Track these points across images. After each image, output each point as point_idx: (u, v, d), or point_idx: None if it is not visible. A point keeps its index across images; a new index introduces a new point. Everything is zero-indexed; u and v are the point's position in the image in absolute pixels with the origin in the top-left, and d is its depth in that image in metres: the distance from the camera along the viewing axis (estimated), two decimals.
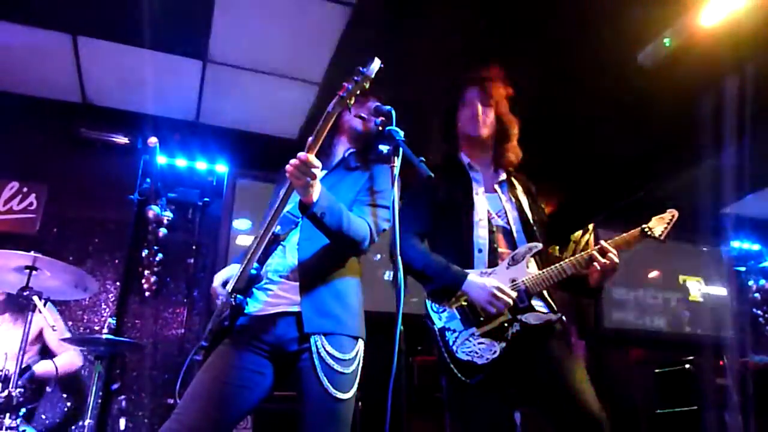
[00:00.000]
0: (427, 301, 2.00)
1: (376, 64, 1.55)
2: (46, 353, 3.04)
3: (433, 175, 1.54)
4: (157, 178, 4.28)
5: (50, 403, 3.43)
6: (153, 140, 4.02)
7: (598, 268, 1.91)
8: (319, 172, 1.62)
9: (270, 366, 1.72)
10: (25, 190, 4.09)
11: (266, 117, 4.46)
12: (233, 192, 4.60)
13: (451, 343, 1.90)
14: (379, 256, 4.74)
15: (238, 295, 1.70)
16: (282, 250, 1.78)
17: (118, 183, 4.29)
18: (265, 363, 1.71)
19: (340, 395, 1.65)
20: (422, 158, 1.54)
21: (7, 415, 2.19)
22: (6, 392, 2.22)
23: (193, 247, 4.42)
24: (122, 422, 2.85)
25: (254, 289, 1.74)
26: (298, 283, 1.73)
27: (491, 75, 2.19)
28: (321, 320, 1.69)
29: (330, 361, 1.66)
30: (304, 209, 1.65)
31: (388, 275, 4.69)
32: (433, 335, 1.95)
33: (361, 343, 1.78)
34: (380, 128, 1.64)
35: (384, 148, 1.57)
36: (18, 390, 2.24)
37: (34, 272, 2.36)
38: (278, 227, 1.74)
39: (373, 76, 1.55)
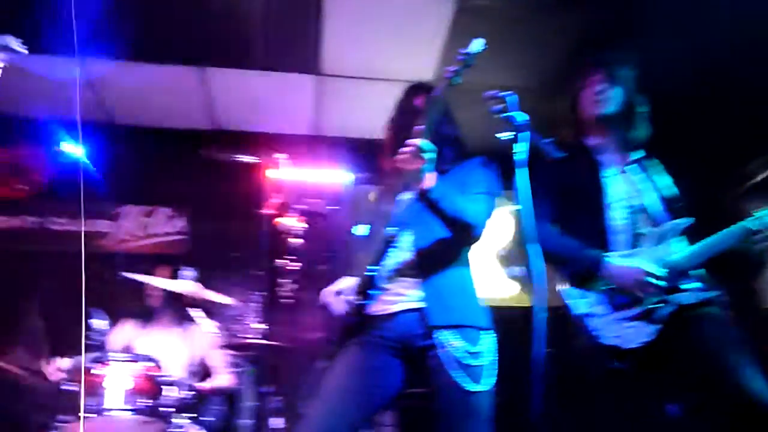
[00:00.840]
0: (564, 287, 1.94)
1: (478, 43, 1.55)
2: (204, 368, 3.32)
3: (562, 154, 1.51)
4: (285, 192, 4.54)
5: (210, 404, 3.75)
6: (279, 156, 4.27)
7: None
8: (432, 158, 1.64)
9: (399, 363, 1.75)
10: (174, 214, 4.53)
11: (383, 122, 4.56)
12: (356, 199, 4.78)
13: (595, 328, 1.83)
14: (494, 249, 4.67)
15: (360, 298, 1.75)
16: (397, 248, 1.81)
17: (251, 200, 4.60)
18: (393, 361, 1.75)
19: (473, 388, 1.64)
20: (548, 140, 1.52)
21: (179, 415, 2.45)
22: (175, 394, 2.48)
23: (323, 255, 4.63)
24: (276, 422, 3.05)
25: (375, 290, 1.78)
26: (416, 279, 1.75)
27: (615, 56, 2.11)
28: (444, 313, 1.70)
29: (458, 354, 1.65)
30: (420, 196, 1.67)
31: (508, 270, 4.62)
32: (572, 322, 1.89)
33: (490, 334, 1.75)
34: (499, 114, 1.64)
35: (503, 135, 1.56)
36: (185, 393, 2.50)
37: (190, 285, 2.62)
38: (391, 227, 1.77)
39: (475, 54, 1.54)
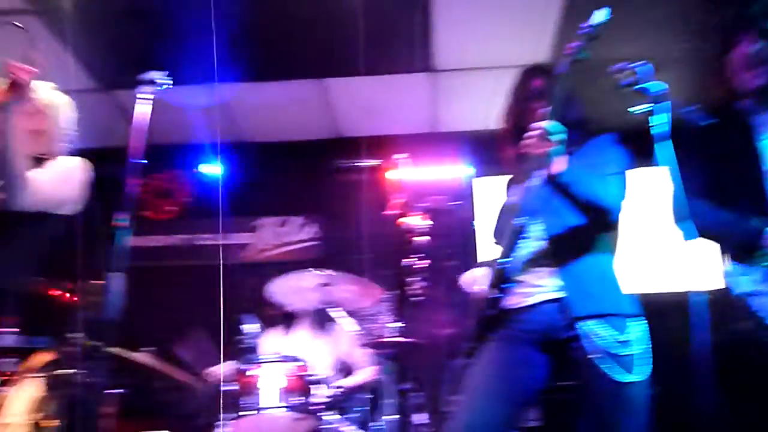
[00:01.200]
0: (724, 265, 1.78)
1: (602, 13, 1.46)
2: (347, 366, 3.46)
3: (710, 121, 1.39)
4: (407, 192, 4.60)
5: (355, 401, 3.89)
6: (399, 157, 4.34)
7: None
8: (560, 140, 1.58)
9: (543, 356, 1.70)
10: (305, 222, 4.77)
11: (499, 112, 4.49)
12: (477, 193, 4.75)
13: (760, 308, 1.66)
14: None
15: (495, 291, 1.72)
16: (528, 238, 1.76)
17: (376, 202, 4.72)
18: (536, 354, 1.70)
19: (625, 379, 1.55)
20: (691, 108, 1.41)
21: (330, 412, 2.58)
22: (324, 392, 2.62)
23: (449, 251, 4.63)
24: (420, 417, 3.11)
25: (509, 283, 1.73)
26: (552, 269, 1.69)
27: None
28: (587, 302, 1.63)
29: (606, 344, 1.58)
30: (549, 182, 1.62)
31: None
32: (734, 304, 1.73)
33: (639, 321, 1.65)
34: (630, 87, 1.55)
35: (638, 109, 1.47)
36: (335, 390, 2.62)
37: (327, 287, 2.75)
38: (521, 217, 1.72)
39: (600, 25, 1.46)
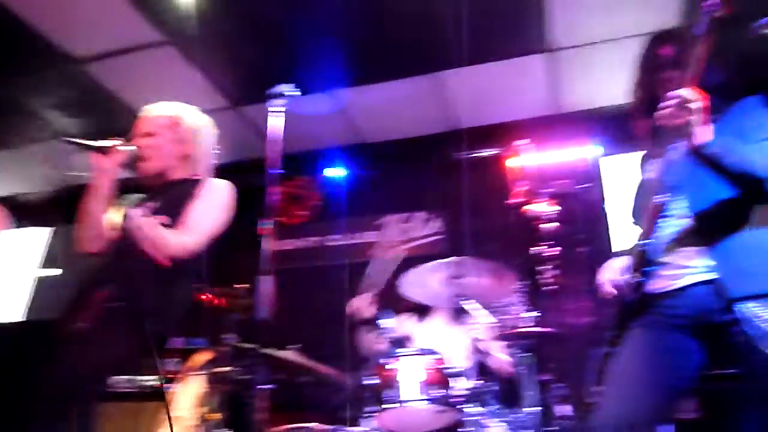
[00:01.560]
0: None
1: None
2: (482, 359, 3.45)
3: None
4: (530, 178, 4.49)
5: (493, 394, 3.87)
6: (521, 143, 4.25)
7: None
8: (701, 107, 1.46)
9: (694, 342, 1.57)
10: (429, 216, 4.82)
11: (626, 85, 4.25)
12: (606, 173, 4.53)
13: None
14: None
15: (637, 276, 1.63)
16: (671, 217, 1.65)
17: (499, 191, 4.65)
18: (688, 341, 1.57)
19: None
20: None
21: (471, 405, 2.59)
22: (464, 384, 2.63)
23: (580, 236, 4.46)
24: (564, 409, 3.04)
25: (652, 266, 1.64)
26: (700, 248, 1.57)
27: None
28: (743, 282, 1.49)
29: None
30: (692, 154, 1.50)
31: None
32: None
33: None
34: None
35: None
36: (472, 383, 2.63)
37: (461, 280, 2.77)
38: (661, 194, 1.61)
39: None
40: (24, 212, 5.62)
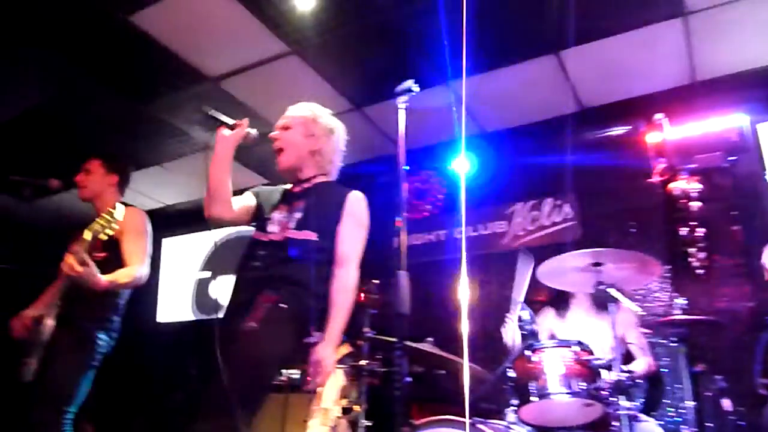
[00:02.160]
0: None
1: None
2: (627, 349, 3.26)
3: None
4: (671, 154, 4.17)
5: (639, 386, 3.64)
6: (657, 117, 3.97)
7: None
8: None
9: None
10: (558, 202, 4.64)
11: None
12: (758, 140, 4.08)
13: None
14: None
15: None
16: None
17: (636, 170, 4.37)
18: None
19: None
20: None
21: (618, 398, 2.46)
22: (611, 377, 2.50)
23: (733, 213, 4.07)
24: (725, 403, 2.79)
25: None
26: None
27: None
28: None
29: None
30: None
31: None
32: None
33: None
34: None
35: None
36: (619, 375, 2.49)
37: (600, 267, 2.63)
38: None
39: None
40: (177, 221, 6.18)
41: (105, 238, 2.50)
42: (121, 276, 2.77)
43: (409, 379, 3.54)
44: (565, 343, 2.61)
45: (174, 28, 3.71)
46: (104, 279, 2.65)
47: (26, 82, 3.83)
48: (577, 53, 3.97)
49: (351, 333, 2.95)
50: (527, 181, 4.77)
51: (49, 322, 2.72)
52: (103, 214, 2.50)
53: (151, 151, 5.23)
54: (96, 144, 4.95)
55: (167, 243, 6.43)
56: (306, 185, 2.37)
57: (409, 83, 2.05)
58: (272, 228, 2.25)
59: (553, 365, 2.53)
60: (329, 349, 2.04)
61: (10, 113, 3.74)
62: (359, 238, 2.26)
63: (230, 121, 2.24)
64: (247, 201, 2.38)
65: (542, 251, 4.46)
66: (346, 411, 3.08)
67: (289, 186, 2.47)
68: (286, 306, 2.01)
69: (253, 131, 2.29)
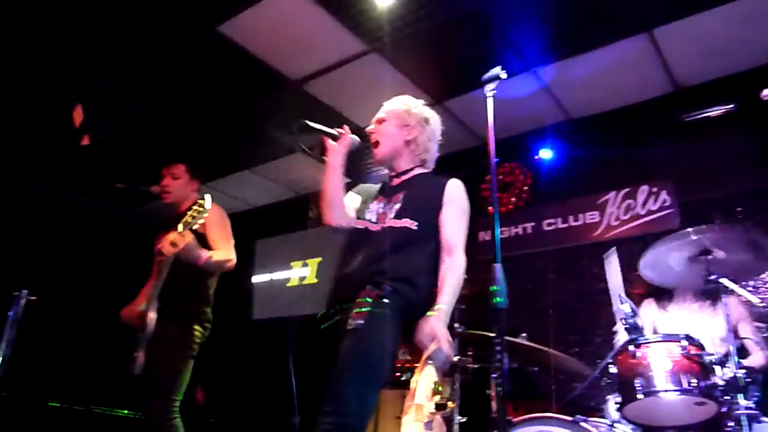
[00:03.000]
0: None
1: None
2: (740, 343, 3.01)
3: None
4: None
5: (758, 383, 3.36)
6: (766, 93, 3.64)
7: None
8: None
9: None
10: (654, 189, 4.37)
11: None
12: None
13: None
14: None
15: None
16: None
17: (745, 152, 4.04)
18: None
19: None
20: None
21: (732, 396, 2.28)
22: (725, 373, 2.32)
23: None
24: None
25: None
26: None
27: None
28: None
29: None
30: None
31: None
32: None
33: None
34: None
35: None
36: (733, 371, 2.31)
37: (709, 256, 2.45)
38: None
39: None
40: (267, 221, 6.37)
41: (197, 226, 2.68)
42: (216, 254, 2.99)
43: (506, 374, 3.46)
44: (672, 338, 2.43)
45: (258, 35, 3.82)
46: (204, 254, 2.88)
47: (125, 94, 4.06)
48: (670, 30, 3.73)
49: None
50: (619, 168, 4.53)
51: (152, 315, 2.88)
52: (194, 207, 2.71)
53: (239, 156, 5.42)
54: (188, 150, 5.21)
55: (260, 244, 6.62)
56: (404, 177, 2.35)
57: (497, 70, 1.99)
58: (371, 218, 2.24)
59: (660, 361, 2.38)
60: (441, 323, 1.96)
61: (111, 125, 3.97)
62: (463, 224, 2.21)
63: (333, 131, 2.26)
64: (354, 202, 2.40)
65: (638, 242, 4.27)
66: (439, 407, 3.03)
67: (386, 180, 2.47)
68: (389, 301, 1.97)
69: (356, 138, 2.30)
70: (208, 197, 2.74)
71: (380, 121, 2.41)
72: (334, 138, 2.25)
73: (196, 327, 3.05)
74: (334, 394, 1.83)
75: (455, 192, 2.25)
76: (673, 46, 3.89)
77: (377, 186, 2.45)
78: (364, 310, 1.93)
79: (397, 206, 2.22)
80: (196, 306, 3.10)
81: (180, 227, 2.73)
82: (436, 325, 1.94)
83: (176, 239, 2.72)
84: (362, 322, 1.91)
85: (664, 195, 4.35)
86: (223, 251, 3.05)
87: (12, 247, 5.79)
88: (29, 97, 4.21)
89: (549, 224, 4.79)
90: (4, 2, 3.46)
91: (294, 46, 3.92)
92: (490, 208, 3.07)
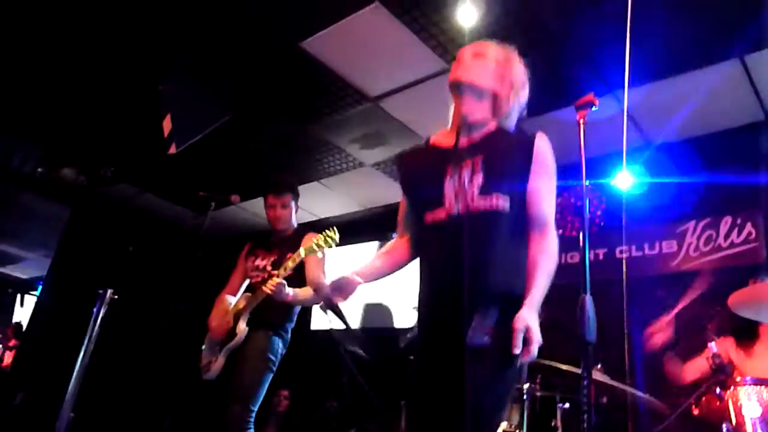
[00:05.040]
0: None
1: None
2: None
3: None
4: None
5: None
6: None
7: None
8: None
9: None
10: (738, 221, 4.15)
11: None
12: None
13: None
14: None
15: None
16: None
17: None
18: None
19: None
20: None
21: None
22: None
23: None
24: None
25: None
26: None
27: None
28: None
29: None
30: None
31: None
32: None
33: None
34: None
35: None
36: None
37: None
38: None
39: None
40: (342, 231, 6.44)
41: (320, 256, 2.87)
42: (303, 292, 3.14)
43: (566, 405, 3.35)
44: (764, 382, 2.29)
45: (340, 52, 3.88)
46: (291, 294, 3.03)
47: (210, 106, 4.21)
48: (762, 57, 3.55)
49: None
50: (701, 197, 4.32)
51: (242, 326, 3.06)
52: (325, 237, 2.94)
53: (311, 168, 5.51)
54: (264, 162, 5.35)
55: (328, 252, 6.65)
56: (477, 135, 1.84)
57: (589, 97, 1.93)
58: (449, 201, 1.74)
59: (750, 406, 2.24)
60: (533, 314, 1.57)
61: (195, 136, 4.13)
62: (554, 192, 1.80)
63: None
64: (404, 210, 1.99)
65: (718, 275, 4.05)
66: None
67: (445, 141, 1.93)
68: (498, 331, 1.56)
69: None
70: (335, 230, 2.95)
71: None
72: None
73: (279, 341, 3.18)
74: (478, 421, 1.52)
75: (546, 152, 1.82)
76: (765, 74, 3.70)
77: (433, 149, 1.96)
78: (489, 326, 1.56)
79: (479, 178, 1.73)
80: (283, 320, 3.23)
81: (302, 251, 2.98)
82: (529, 320, 1.54)
83: (270, 286, 2.94)
84: (488, 339, 1.55)
85: (749, 227, 4.12)
86: (310, 289, 3.18)
87: (94, 248, 6.10)
88: (123, 105, 4.44)
89: (621, 251, 4.62)
90: (106, 17, 3.68)
91: (375, 62, 3.96)
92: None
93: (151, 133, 3.96)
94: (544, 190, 1.76)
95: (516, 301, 1.61)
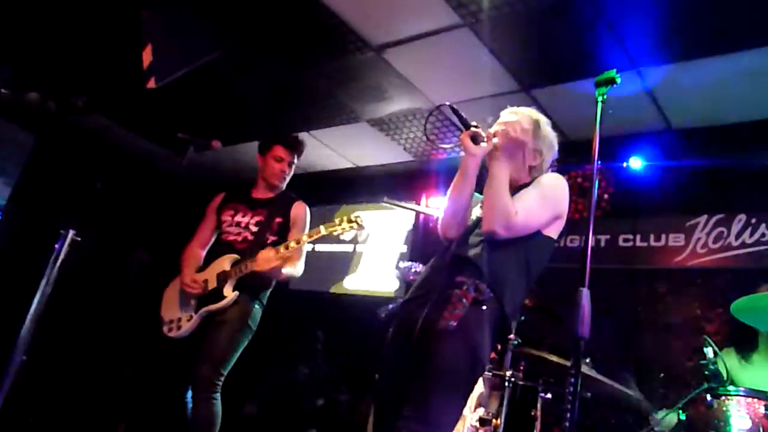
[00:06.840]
0: None
1: None
2: None
3: None
4: None
5: None
6: None
7: None
8: None
9: None
10: (753, 221, 4.18)
11: None
12: None
13: None
14: None
15: None
16: None
17: None
18: None
19: None
20: None
21: None
22: None
23: None
24: None
25: None
26: None
27: None
28: None
29: None
30: None
31: None
32: None
33: None
34: None
35: None
36: None
37: None
38: None
39: None
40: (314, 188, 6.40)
41: (344, 237, 2.94)
42: (290, 270, 3.25)
43: (548, 396, 3.41)
44: (757, 394, 2.34)
45: None
46: (284, 273, 3.19)
47: (198, 40, 4.11)
48: None
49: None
50: (716, 191, 4.34)
51: (230, 291, 3.15)
52: (353, 222, 2.99)
53: (301, 117, 5.44)
54: (251, 107, 5.27)
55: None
56: None
57: (611, 73, 1.92)
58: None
59: (740, 418, 2.29)
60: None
61: (177, 72, 4.03)
62: (545, 202, 2.29)
63: (473, 129, 2.12)
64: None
65: (724, 275, 4.09)
66: (483, 422, 3.03)
67: None
68: (486, 308, 1.91)
69: (497, 141, 2.17)
70: (362, 220, 3.02)
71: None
72: (475, 139, 2.10)
73: (260, 309, 3.29)
74: (421, 400, 1.80)
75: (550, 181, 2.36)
76: None
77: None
78: (458, 311, 1.87)
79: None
80: (266, 288, 3.33)
81: (322, 229, 3.02)
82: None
83: (271, 260, 3.04)
84: (455, 324, 1.85)
85: (762, 228, 4.16)
86: (299, 267, 3.29)
87: (59, 181, 6.03)
88: (102, 29, 4.30)
89: (625, 240, 4.65)
90: None
91: (383, 9, 3.85)
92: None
93: (130, 63, 3.88)
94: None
95: (505, 286, 1.99)
